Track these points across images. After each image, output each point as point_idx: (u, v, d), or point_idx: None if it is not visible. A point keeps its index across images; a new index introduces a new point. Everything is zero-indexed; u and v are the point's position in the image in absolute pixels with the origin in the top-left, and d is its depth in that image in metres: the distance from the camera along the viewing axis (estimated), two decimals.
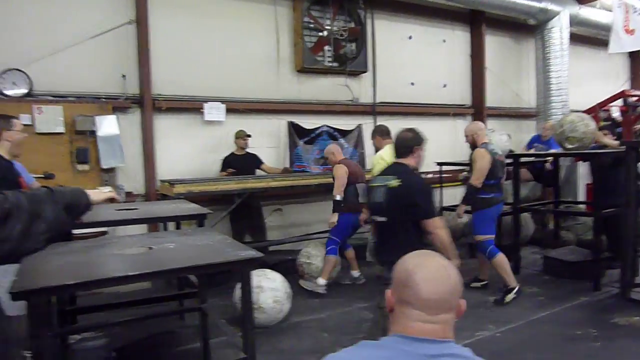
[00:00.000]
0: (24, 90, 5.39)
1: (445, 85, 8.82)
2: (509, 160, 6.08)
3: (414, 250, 2.85)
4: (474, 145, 5.06)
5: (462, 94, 9.08)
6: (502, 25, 9.43)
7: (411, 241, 2.92)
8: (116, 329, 3.59)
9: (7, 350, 1.24)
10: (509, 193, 7.42)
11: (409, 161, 3.22)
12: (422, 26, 8.50)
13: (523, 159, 6.28)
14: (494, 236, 4.89)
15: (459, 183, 8.88)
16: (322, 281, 5.13)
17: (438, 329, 1.23)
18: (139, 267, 2.25)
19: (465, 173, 6.64)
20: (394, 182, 3.08)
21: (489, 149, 4.86)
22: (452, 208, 7.05)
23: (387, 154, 4.58)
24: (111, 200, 1.89)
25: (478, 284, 5.26)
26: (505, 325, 4.21)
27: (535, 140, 7.81)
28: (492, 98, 9.22)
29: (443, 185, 6.90)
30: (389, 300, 1.30)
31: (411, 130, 3.34)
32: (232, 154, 6.33)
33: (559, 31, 8.65)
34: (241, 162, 6.24)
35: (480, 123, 5.31)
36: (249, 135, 6.31)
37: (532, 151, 7.48)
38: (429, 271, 1.24)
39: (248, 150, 6.39)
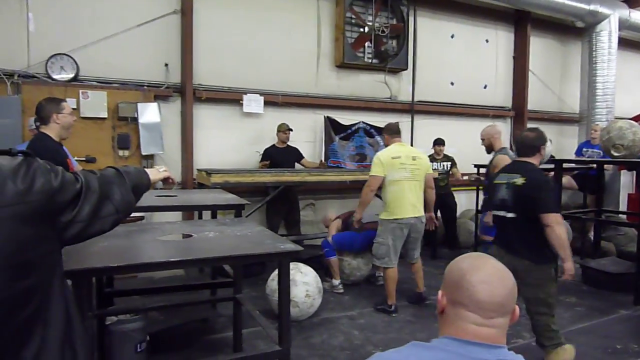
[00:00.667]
0: (71, 75, 5.54)
1: (486, 87, 8.64)
2: (550, 166, 5.92)
3: (538, 244, 3.11)
4: (489, 149, 5.11)
5: (503, 96, 8.88)
6: (548, 27, 9.16)
7: (536, 236, 3.13)
8: (151, 314, 3.64)
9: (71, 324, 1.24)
10: None
11: (534, 160, 3.29)
12: (465, 25, 8.34)
13: (566, 165, 6.05)
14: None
15: None
16: (335, 282, 5.13)
17: (493, 333, 1.18)
18: (180, 253, 2.27)
19: (476, 175, 6.48)
20: (519, 180, 3.18)
21: (510, 155, 4.84)
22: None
23: (383, 154, 4.53)
24: (166, 180, 1.89)
25: None
26: None
27: (585, 146, 7.54)
28: (534, 101, 8.98)
29: (480, 188, 6.73)
30: (439, 301, 1.26)
31: (535, 129, 3.43)
32: (274, 146, 6.37)
33: (608, 35, 8.35)
34: (282, 155, 6.28)
35: (498, 127, 5.18)
36: (290, 129, 6.33)
37: (582, 158, 7.21)
38: (485, 273, 1.19)
39: (289, 143, 6.41)
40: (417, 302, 4.72)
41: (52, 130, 3.36)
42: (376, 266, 5.39)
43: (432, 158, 6.64)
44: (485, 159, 7.24)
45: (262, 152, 6.38)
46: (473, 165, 7.05)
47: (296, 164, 6.49)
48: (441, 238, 6.95)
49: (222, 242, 2.54)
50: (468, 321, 1.18)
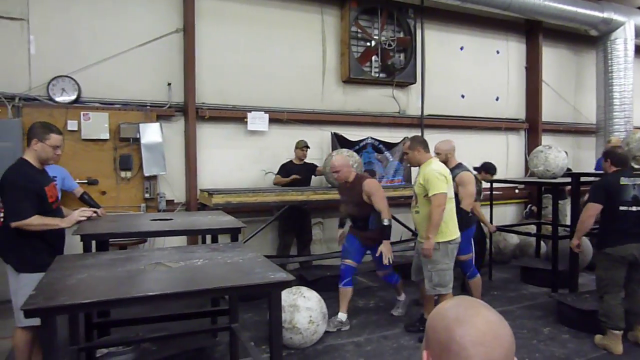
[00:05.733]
0: (73, 97, 5.48)
1: (497, 99, 8.42)
2: (567, 180, 5.66)
3: None
4: (448, 165, 4.66)
5: (515, 108, 8.65)
6: (561, 36, 8.94)
7: None
8: (145, 344, 3.47)
9: None
10: (565, 214, 6.95)
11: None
12: (475, 37, 8.16)
13: (584, 179, 5.77)
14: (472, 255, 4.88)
15: (512, 201, 8.43)
16: (342, 316, 4.49)
17: None
18: (160, 286, 2.11)
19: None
20: None
21: (472, 172, 4.69)
22: (503, 229, 6.65)
23: (443, 169, 4.11)
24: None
25: None
26: None
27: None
28: (549, 112, 8.73)
29: (494, 203, 6.48)
30: None
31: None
32: (291, 162, 6.27)
33: (623, 43, 8.10)
34: (298, 172, 6.15)
35: (452, 142, 4.80)
36: (308, 147, 6.21)
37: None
38: (478, 330, 0.96)
39: (306, 160, 6.32)
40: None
41: (30, 155, 3.21)
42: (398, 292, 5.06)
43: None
44: (497, 172, 6.98)
45: (273, 171, 6.28)
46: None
47: (312, 177, 6.39)
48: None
49: (210, 271, 2.38)
50: None
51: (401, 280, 4.89)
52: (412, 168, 7.00)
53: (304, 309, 3.91)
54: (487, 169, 6.14)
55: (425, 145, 4.29)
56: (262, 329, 4.31)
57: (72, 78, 5.47)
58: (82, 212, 3.32)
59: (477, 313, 1.00)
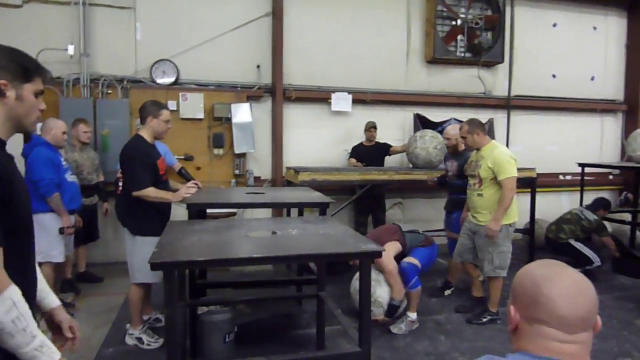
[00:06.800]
0: (172, 79, 5.92)
1: (593, 78, 7.95)
2: None
3: None
4: (458, 148, 4.78)
5: (613, 89, 8.11)
6: None
7: None
8: (239, 306, 3.78)
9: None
10: None
11: None
12: (569, 12, 7.73)
13: None
14: None
15: (605, 187, 7.98)
16: (414, 315, 4.12)
17: (577, 349, 1.08)
18: (263, 250, 2.33)
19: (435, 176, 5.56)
20: None
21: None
22: None
23: (511, 153, 4.15)
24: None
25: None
26: None
27: None
28: None
29: (585, 189, 6.21)
30: (512, 317, 1.15)
31: None
32: (361, 144, 6.38)
33: None
34: (369, 153, 6.26)
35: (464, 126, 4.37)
36: (373, 127, 6.29)
37: None
38: (564, 285, 1.09)
39: (378, 140, 6.38)
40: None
41: (145, 132, 3.55)
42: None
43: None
44: (590, 157, 6.67)
45: (350, 150, 6.40)
46: (577, 164, 6.54)
47: (386, 158, 6.44)
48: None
49: (304, 240, 2.57)
50: (550, 338, 1.08)
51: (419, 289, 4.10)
52: None
53: (385, 284, 4.04)
54: (604, 205, 5.77)
55: (483, 127, 4.32)
56: (343, 302, 4.49)
57: (172, 61, 5.90)
58: (188, 189, 3.60)
59: (561, 271, 1.13)
